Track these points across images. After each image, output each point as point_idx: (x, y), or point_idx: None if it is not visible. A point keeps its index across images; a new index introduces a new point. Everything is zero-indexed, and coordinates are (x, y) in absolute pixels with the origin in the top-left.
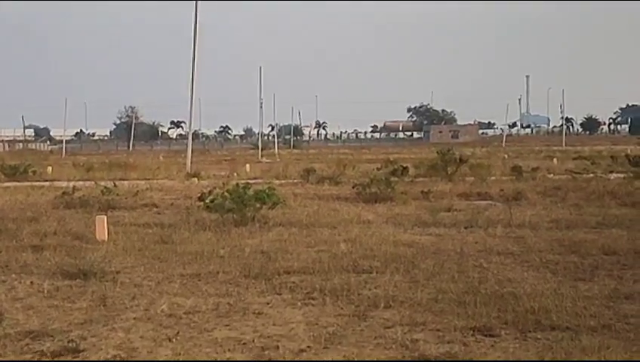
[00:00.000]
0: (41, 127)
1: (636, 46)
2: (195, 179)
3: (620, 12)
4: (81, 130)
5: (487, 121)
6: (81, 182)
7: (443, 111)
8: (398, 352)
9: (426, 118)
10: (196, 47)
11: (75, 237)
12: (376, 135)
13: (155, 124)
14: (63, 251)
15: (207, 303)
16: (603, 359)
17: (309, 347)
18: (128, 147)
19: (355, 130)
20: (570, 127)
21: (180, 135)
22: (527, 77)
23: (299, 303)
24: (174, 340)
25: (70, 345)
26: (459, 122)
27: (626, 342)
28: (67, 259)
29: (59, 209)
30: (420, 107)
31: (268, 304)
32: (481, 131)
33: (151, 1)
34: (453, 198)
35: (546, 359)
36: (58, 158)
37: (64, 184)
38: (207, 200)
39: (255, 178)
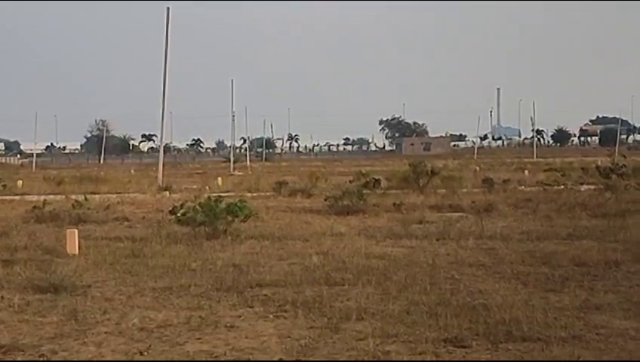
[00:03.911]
0: (12, 140)
1: (606, 58)
2: (167, 192)
3: (589, 25)
4: (51, 144)
5: (458, 134)
6: (51, 196)
7: (415, 123)
8: None
9: (398, 130)
10: (167, 61)
11: (45, 251)
12: (348, 147)
13: (127, 137)
14: (34, 265)
15: (178, 317)
16: None
17: (281, 359)
18: (99, 160)
19: (327, 143)
20: (541, 138)
21: (152, 148)
22: (498, 89)
23: (271, 316)
24: (146, 354)
25: (41, 359)
26: (430, 134)
27: (597, 352)
28: (38, 274)
29: (29, 223)
30: (392, 120)
31: (240, 317)
32: (452, 143)
33: (123, 3)
34: (425, 210)
35: None
36: (29, 172)
37: (35, 198)
38: (178, 214)
39: (227, 191)
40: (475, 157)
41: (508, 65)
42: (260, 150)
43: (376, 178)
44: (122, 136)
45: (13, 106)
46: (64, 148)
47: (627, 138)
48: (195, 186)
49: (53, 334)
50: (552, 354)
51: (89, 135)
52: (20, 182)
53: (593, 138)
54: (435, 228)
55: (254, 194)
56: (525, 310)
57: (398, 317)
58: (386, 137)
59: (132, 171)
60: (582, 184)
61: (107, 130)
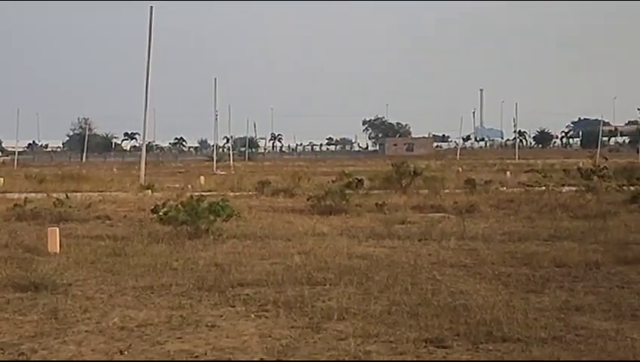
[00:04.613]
0: None
1: (588, 61)
2: (149, 191)
3: (571, 28)
4: (33, 142)
5: (441, 134)
6: (33, 194)
7: (398, 124)
8: None
9: (381, 130)
10: (150, 58)
11: (26, 249)
12: (332, 147)
13: (109, 135)
14: (14, 263)
15: (159, 316)
16: None
17: (262, 359)
18: (81, 158)
19: (310, 143)
20: (524, 140)
21: (134, 147)
22: (481, 91)
23: (252, 315)
24: (126, 353)
25: (21, 358)
26: (413, 135)
27: (576, 353)
28: (18, 272)
29: (10, 221)
30: (375, 120)
31: (221, 316)
32: (435, 144)
33: (107, 3)
34: (407, 211)
35: None
36: (10, 170)
37: (16, 196)
38: (160, 213)
39: (209, 190)
40: (458, 158)
41: (491, 66)
42: (243, 149)
43: (359, 178)
44: (105, 135)
45: None
46: (46, 146)
47: (609, 140)
48: (177, 185)
49: (33, 333)
50: (532, 355)
51: (71, 133)
52: (1, 180)
53: (575, 140)
54: (417, 229)
55: (237, 194)
56: (506, 311)
57: (379, 317)
58: (369, 137)
59: (114, 170)
60: (563, 185)
61: (90, 129)
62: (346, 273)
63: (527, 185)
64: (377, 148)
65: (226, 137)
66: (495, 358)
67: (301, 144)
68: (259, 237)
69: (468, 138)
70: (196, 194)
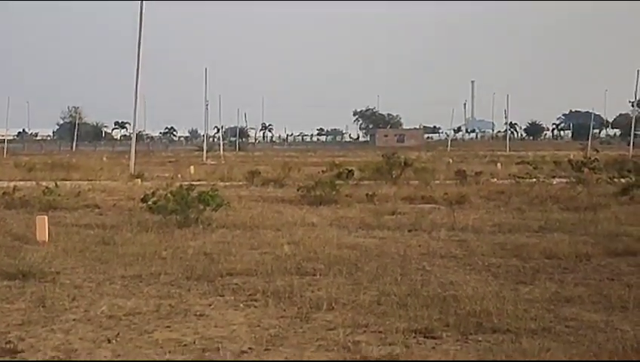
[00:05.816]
0: None
1: (579, 53)
2: (139, 180)
3: (563, 20)
4: (23, 130)
5: (432, 126)
6: (22, 183)
7: (389, 115)
8: (339, 354)
9: (372, 121)
10: (141, 47)
11: (15, 237)
12: (322, 138)
13: (99, 124)
14: (2, 251)
15: (148, 305)
16: (542, 361)
17: (250, 348)
18: (71, 147)
19: (301, 133)
20: (515, 132)
21: (124, 136)
22: (473, 82)
23: (241, 305)
24: (114, 341)
25: (8, 346)
26: (404, 126)
27: (566, 345)
28: (6, 260)
29: None
30: (366, 111)
31: (210, 305)
32: (426, 136)
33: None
34: (397, 202)
35: (486, 360)
36: None
37: (5, 184)
38: (150, 202)
39: (199, 180)
40: (449, 149)
41: (482, 58)
42: (233, 139)
43: (350, 169)
44: (95, 124)
45: None
46: (36, 134)
47: (599, 132)
48: (167, 174)
49: (20, 321)
50: (522, 346)
51: (61, 122)
52: None
53: (566, 132)
54: (407, 220)
55: (227, 184)
56: (496, 302)
57: (368, 308)
58: (359, 128)
59: (104, 159)
60: (554, 177)
61: (80, 117)
62: (335, 263)
63: (518, 177)
64: (368, 139)
65: (216, 127)
66: (484, 349)
67: (292, 134)
68: (248, 226)
69: (459, 129)
70: (186, 183)
